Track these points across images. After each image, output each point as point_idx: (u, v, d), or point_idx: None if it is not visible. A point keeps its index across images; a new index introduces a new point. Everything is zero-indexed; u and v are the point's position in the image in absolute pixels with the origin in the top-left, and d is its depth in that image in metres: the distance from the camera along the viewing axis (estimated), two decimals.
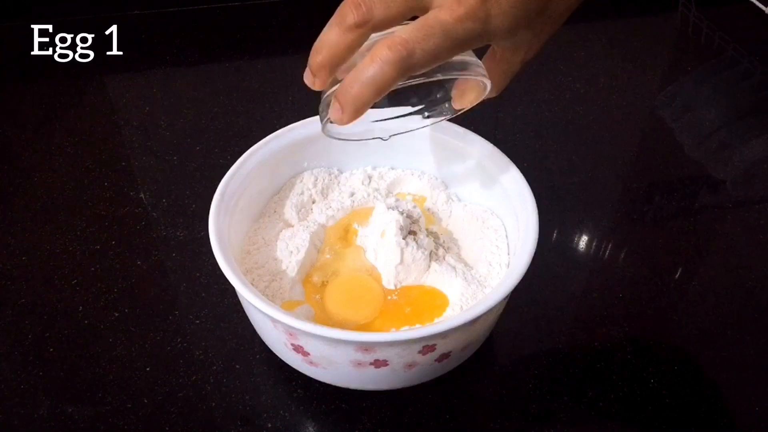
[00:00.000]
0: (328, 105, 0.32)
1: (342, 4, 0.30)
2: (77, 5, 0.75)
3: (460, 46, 0.29)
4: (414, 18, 0.30)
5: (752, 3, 0.79)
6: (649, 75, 0.72)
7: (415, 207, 0.43)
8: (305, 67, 0.32)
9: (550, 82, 0.69)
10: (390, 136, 0.38)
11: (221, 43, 0.74)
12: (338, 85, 0.31)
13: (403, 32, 0.28)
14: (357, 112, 0.30)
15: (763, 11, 0.77)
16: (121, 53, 0.72)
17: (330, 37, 0.30)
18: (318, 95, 0.34)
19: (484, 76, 0.33)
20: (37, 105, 0.65)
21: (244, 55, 0.73)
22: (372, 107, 0.30)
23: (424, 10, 0.29)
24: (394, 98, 0.36)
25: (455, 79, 0.35)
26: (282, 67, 0.71)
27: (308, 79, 0.32)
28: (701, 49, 0.76)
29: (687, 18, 0.80)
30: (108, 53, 0.72)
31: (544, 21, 0.32)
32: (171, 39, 0.74)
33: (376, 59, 0.28)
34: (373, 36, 0.30)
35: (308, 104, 0.65)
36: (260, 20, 0.78)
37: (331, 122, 0.31)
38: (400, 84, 0.29)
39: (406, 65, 0.28)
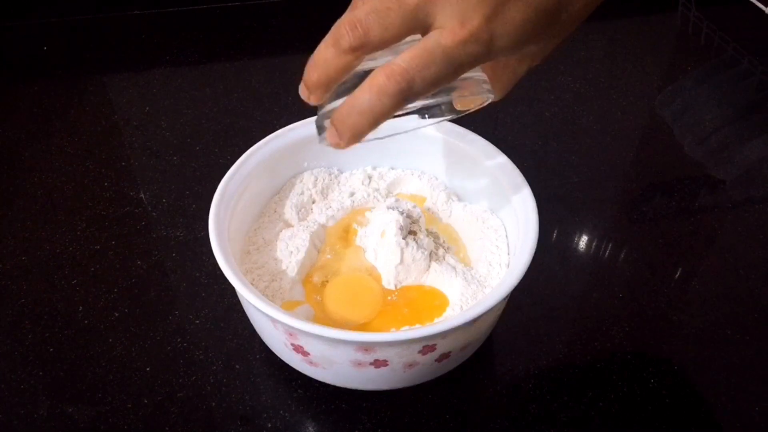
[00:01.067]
0: (325, 119, 0.31)
1: (338, 23, 0.28)
2: (77, 5, 0.75)
3: (462, 69, 0.28)
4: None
5: (752, 3, 0.79)
6: (649, 75, 0.72)
7: (415, 207, 0.43)
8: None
9: (550, 82, 0.69)
10: (387, 136, 0.37)
11: (221, 43, 0.74)
12: (335, 102, 0.30)
13: (402, 60, 0.27)
14: (354, 140, 0.29)
15: (763, 11, 0.77)
16: (121, 53, 0.72)
17: (325, 57, 0.29)
18: None
19: (487, 91, 0.32)
20: (37, 105, 0.65)
21: (244, 55, 0.73)
22: None
23: (425, 30, 0.28)
24: None
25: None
26: (282, 67, 0.71)
27: (303, 93, 0.31)
28: (701, 49, 0.76)
29: (687, 18, 0.80)
30: (108, 53, 0.72)
31: (552, 34, 0.30)
32: (171, 39, 0.74)
33: (374, 89, 0.27)
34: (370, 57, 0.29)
35: (308, 104, 0.65)
36: (260, 20, 0.78)
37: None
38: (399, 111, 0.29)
39: (404, 96, 0.27)
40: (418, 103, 0.35)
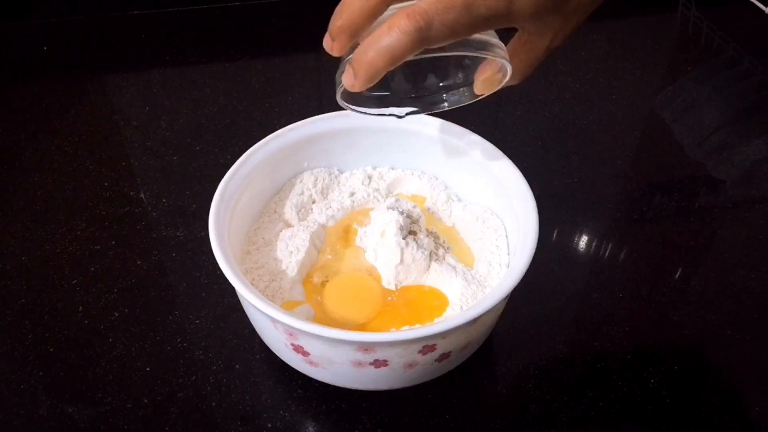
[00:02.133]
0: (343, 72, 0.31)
1: None
2: (77, 5, 0.75)
3: (481, 23, 0.29)
4: None
5: (752, 3, 0.79)
6: (649, 75, 0.72)
7: (415, 207, 0.43)
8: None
9: (550, 82, 0.69)
10: (406, 114, 0.37)
11: (221, 43, 0.74)
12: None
13: (423, 3, 0.28)
14: (370, 79, 0.30)
15: (763, 11, 0.77)
16: (121, 53, 0.72)
17: (352, 1, 0.29)
18: (331, 81, 0.33)
19: (504, 58, 0.32)
20: (37, 105, 0.65)
21: (244, 55, 0.73)
22: (391, 89, 0.29)
23: None
24: (412, 78, 0.36)
25: (476, 62, 0.34)
26: (282, 67, 0.71)
27: (327, 43, 0.31)
28: (701, 49, 0.76)
29: (687, 18, 0.80)
30: (108, 53, 0.72)
31: (574, 7, 0.31)
32: (171, 39, 0.75)
33: (394, 27, 0.28)
34: (395, 6, 0.30)
35: (308, 104, 0.66)
36: (260, 20, 0.78)
37: (345, 90, 0.31)
38: (416, 56, 0.29)
39: (422, 36, 0.28)
40: (439, 86, 0.34)
